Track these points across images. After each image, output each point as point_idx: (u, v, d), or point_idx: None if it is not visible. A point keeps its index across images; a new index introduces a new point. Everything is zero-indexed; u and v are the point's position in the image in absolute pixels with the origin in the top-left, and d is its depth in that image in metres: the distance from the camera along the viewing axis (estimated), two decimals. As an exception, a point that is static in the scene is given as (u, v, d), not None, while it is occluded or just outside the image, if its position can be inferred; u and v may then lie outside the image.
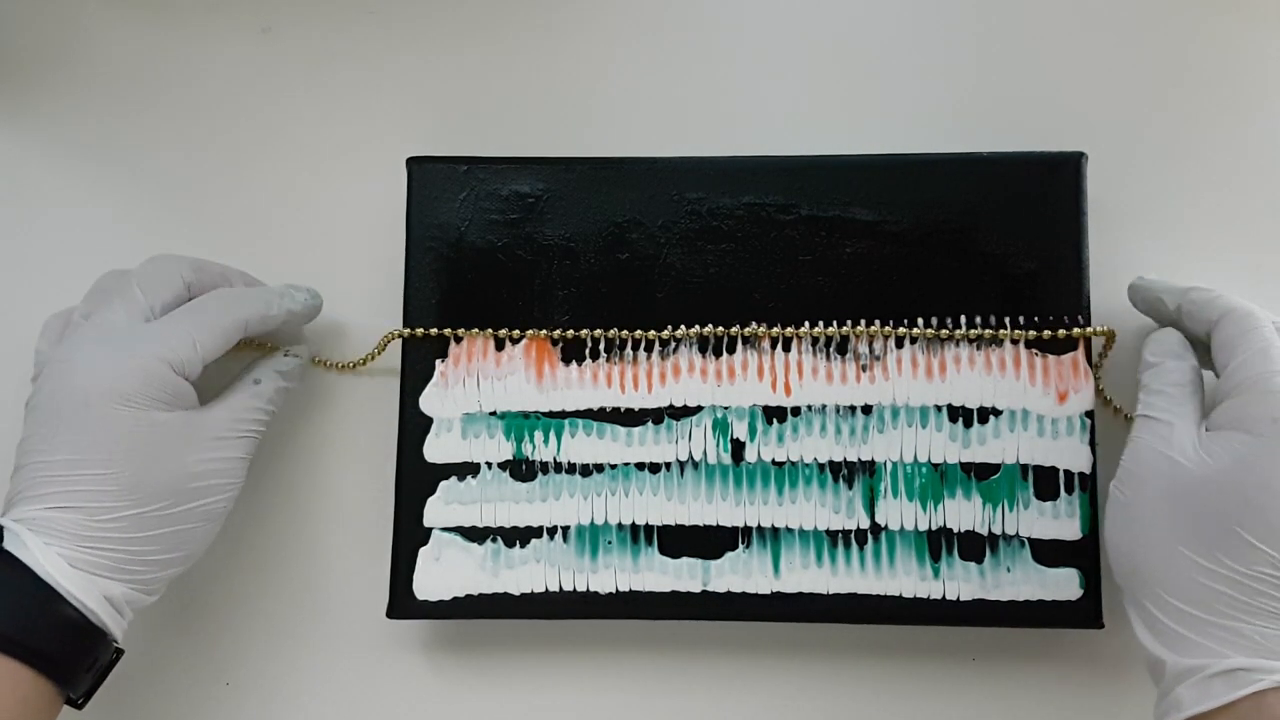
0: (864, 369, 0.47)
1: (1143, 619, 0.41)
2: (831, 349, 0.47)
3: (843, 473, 0.46)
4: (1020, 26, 0.52)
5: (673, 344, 0.47)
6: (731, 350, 0.47)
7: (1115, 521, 0.42)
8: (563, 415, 0.47)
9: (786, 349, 0.47)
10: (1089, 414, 0.46)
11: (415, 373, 0.48)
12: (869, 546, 0.46)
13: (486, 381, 0.48)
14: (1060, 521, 0.45)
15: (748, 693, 0.48)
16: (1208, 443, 0.40)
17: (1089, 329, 0.46)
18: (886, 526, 0.46)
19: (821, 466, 0.46)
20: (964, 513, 0.46)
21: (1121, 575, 0.42)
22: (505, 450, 0.47)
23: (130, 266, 0.46)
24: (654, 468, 0.47)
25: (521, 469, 0.47)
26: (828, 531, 0.46)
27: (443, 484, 0.47)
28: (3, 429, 0.51)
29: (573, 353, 0.48)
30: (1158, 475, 0.41)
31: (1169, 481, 0.40)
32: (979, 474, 0.46)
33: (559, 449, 0.47)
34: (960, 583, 0.46)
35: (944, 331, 0.47)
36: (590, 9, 0.53)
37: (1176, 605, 0.39)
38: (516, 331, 0.48)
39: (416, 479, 0.47)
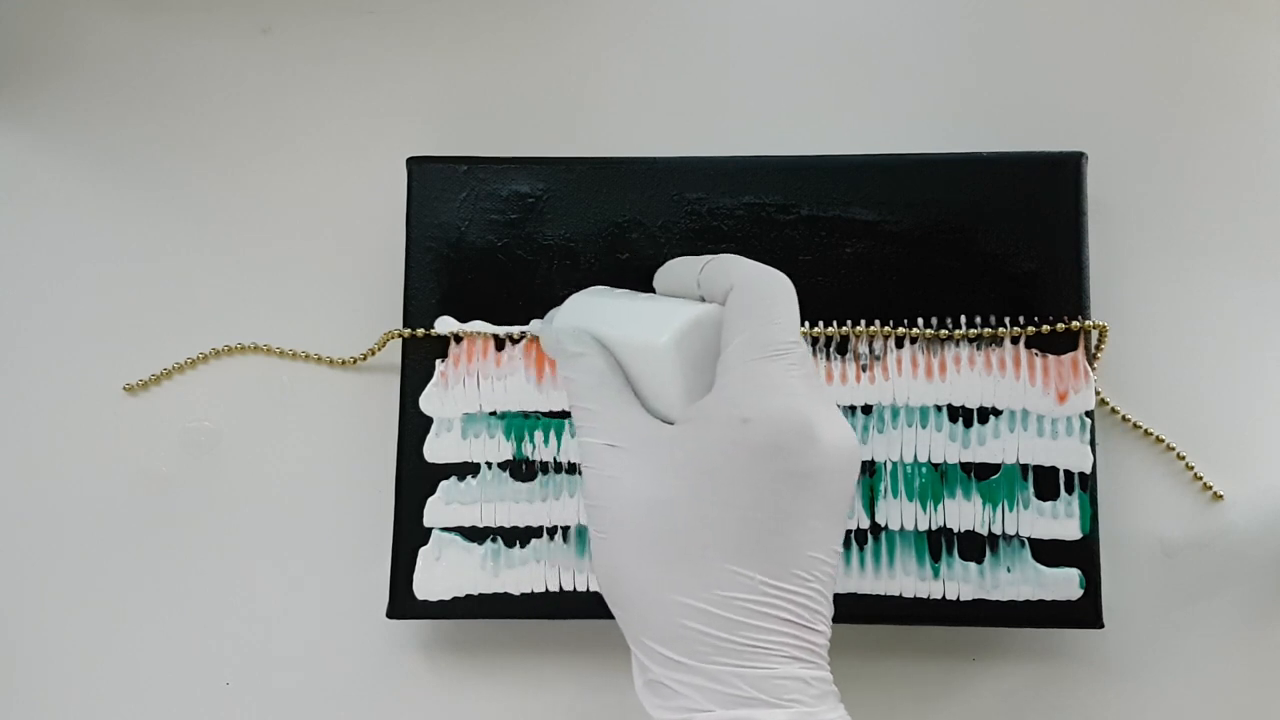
0: (864, 369, 0.47)
1: (636, 668, 0.35)
2: (831, 349, 0.47)
3: (843, 473, 0.46)
4: (1020, 26, 0.52)
5: (673, 344, 0.47)
6: (731, 350, 0.47)
7: (597, 561, 0.36)
8: (563, 415, 0.47)
9: (786, 349, 0.47)
10: (1089, 414, 0.46)
11: (415, 373, 0.48)
12: (869, 546, 0.46)
13: (486, 381, 0.48)
14: (1060, 521, 0.45)
15: (748, 693, 0.48)
16: (672, 448, 0.34)
17: (1084, 321, 0.46)
18: (886, 526, 0.46)
19: (821, 466, 0.46)
20: (964, 513, 0.46)
21: (618, 618, 0.36)
22: (505, 450, 0.47)
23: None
24: (654, 468, 0.47)
25: (521, 469, 0.47)
26: (828, 531, 0.46)
27: (443, 484, 0.47)
28: (3, 430, 0.51)
29: (573, 353, 0.48)
30: (623, 503, 0.34)
31: (635, 509, 0.34)
32: (979, 474, 0.46)
33: (559, 449, 0.47)
34: (960, 583, 0.46)
35: (944, 331, 0.47)
36: (590, 9, 0.53)
37: (660, 651, 0.34)
38: (517, 331, 0.48)
39: (416, 479, 0.47)
